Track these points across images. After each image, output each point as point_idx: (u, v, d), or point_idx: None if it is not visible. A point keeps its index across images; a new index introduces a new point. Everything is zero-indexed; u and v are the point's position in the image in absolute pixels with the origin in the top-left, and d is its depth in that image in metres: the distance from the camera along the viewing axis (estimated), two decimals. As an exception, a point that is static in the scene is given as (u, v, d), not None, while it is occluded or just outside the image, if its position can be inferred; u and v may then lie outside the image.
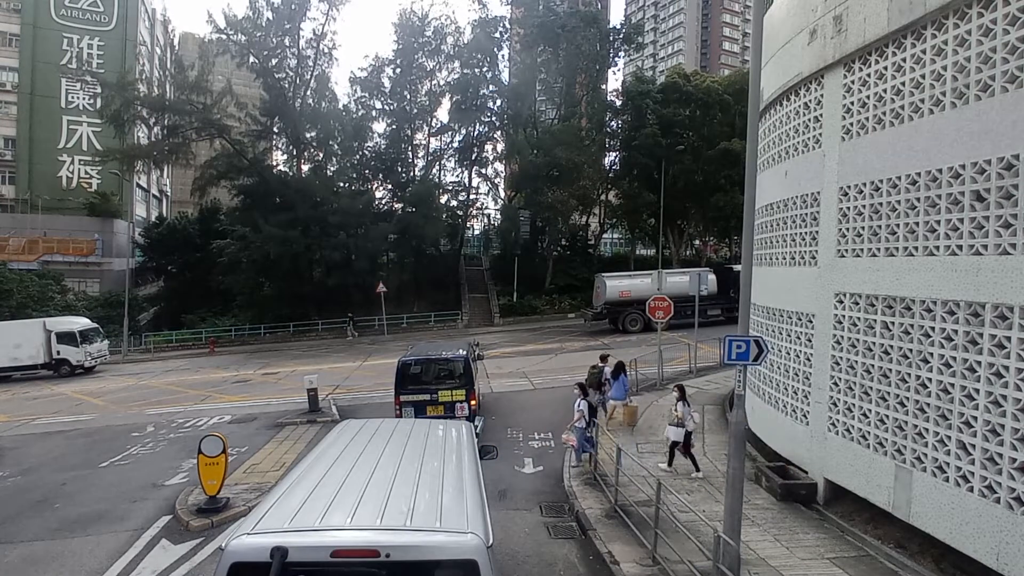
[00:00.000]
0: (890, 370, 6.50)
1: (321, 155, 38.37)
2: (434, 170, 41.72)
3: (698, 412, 10.51)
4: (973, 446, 5.47)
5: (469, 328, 34.01)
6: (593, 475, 9.12)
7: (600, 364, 12.57)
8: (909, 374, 6.24)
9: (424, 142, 41.56)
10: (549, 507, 8.34)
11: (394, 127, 39.74)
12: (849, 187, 7.25)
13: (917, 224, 6.21)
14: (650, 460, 9.65)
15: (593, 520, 7.61)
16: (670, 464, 9.39)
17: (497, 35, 40.70)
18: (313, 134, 37.49)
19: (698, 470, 9.11)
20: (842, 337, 7.34)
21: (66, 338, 25.40)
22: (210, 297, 38.08)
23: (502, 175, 46.37)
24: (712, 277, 23.98)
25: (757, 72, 5.95)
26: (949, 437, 5.72)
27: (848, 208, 7.27)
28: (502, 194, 45.63)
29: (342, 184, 38.21)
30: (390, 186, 40.96)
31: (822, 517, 7.42)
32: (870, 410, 6.80)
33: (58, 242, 40.80)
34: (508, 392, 16.01)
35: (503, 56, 42.24)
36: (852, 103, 7.22)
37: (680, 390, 9.48)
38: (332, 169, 38.58)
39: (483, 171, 42.64)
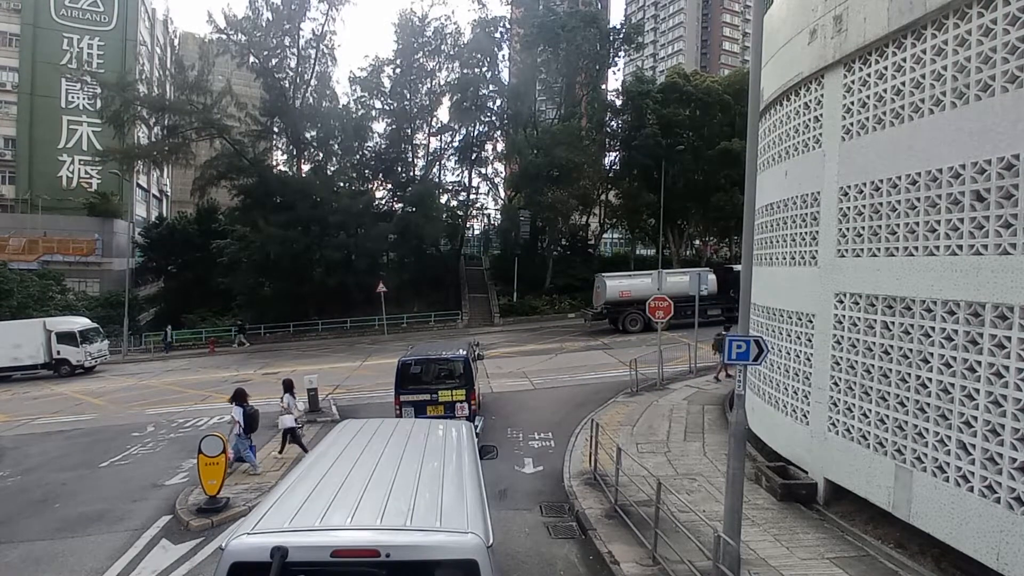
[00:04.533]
0: (890, 370, 6.50)
1: (321, 155, 38.40)
2: (434, 170, 41.77)
3: (303, 401, 12.22)
4: (973, 446, 5.47)
5: (469, 328, 34.01)
6: (593, 475, 9.12)
7: (724, 332, 14.11)
8: (909, 374, 6.23)
9: (424, 142, 41.59)
10: (549, 507, 8.33)
11: (394, 127, 39.76)
12: (849, 187, 7.24)
13: (917, 224, 6.21)
14: (650, 460, 9.66)
15: (593, 520, 7.61)
16: (281, 451, 10.99)
17: (497, 35, 40.73)
18: (313, 134, 37.53)
19: (280, 452, 10.94)
20: (842, 337, 7.33)
21: (66, 338, 25.41)
22: (210, 297, 38.09)
23: (502, 175, 46.41)
24: (712, 277, 23.98)
25: (757, 72, 5.94)
26: (949, 437, 5.72)
27: (848, 208, 7.27)
28: (502, 194, 45.67)
29: (342, 184, 38.21)
30: (390, 186, 40.98)
31: (822, 517, 7.41)
32: (870, 410, 6.80)
33: (58, 242, 40.83)
34: (508, 392, 16.01)
35: (503, 56, 42.32)
36: (852, 103, 7.22)
37: (286, 385, 11.24)
38: (332, 169, 38.61)
39: (483, 171, 42.71)
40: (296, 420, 11.09)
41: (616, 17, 75.66)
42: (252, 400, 17.13)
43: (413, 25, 38.84)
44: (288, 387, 11.20)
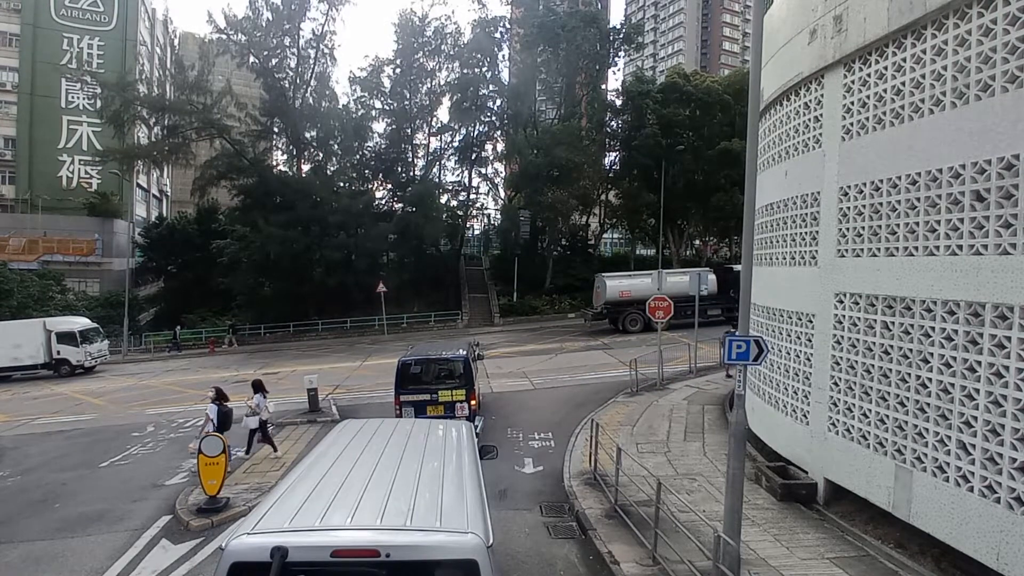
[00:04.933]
0: (890, 370, 6.50)
1: (321, 155, 38.41)
2: (434, 170, 41.78)
3: (272, 403, 12.06)
4: (973, 446, 5.47)
5: (469, 328, 34.01)
6: (593, 475, 9.12)
7: (733, 331, 15.48)
8: (909, 374, 6.23)
9: (424, 142, 41.60)
10: (549, 507, 8.33)
11: (394, 127, 39.77)
12: (849, 187, 7.24)
13: (917, 224, 6.21)
14: (650, 460, 9.66)
15: (593, 520, 7.61)
16: (248, 451, 10.93)
17: (497, 35, 40.75)
18: (313, 134, 37.54)
19: (276, 451, 10.90)
20: (842, 337, 7.33)
21: (66, 338, 25.41)
22: (210, 297, 38.12)
23: (502, 175, 46.41)
24: (712, 277, 23.99)
25: (757, 72, 5.94)
26: (949, 437, 5.72)
27: (848, 208, 7.27)
28: (502, 194, 45.67)
29: (342, 184, 38.23)
30: (390, 186, 40.98)
31: (822, 517, 7.42)
32: (870, 410, 6.80)
33: (58, 242, 40.83)
34: (508, 392, 16.01)
35: (503, 56, 42.35)
36: (852, 103, 7.22)
37: (256, 385, 11.05)
38: (332, 169, 38.62)
39: (483, 171, 42.72)
40: (266, 422, 10.93)
41: (616, 17, 75.89)
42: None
43: (413, 25, 38.85)
44: (258, 387, 11.01)
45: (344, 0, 35.48)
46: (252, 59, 34.37)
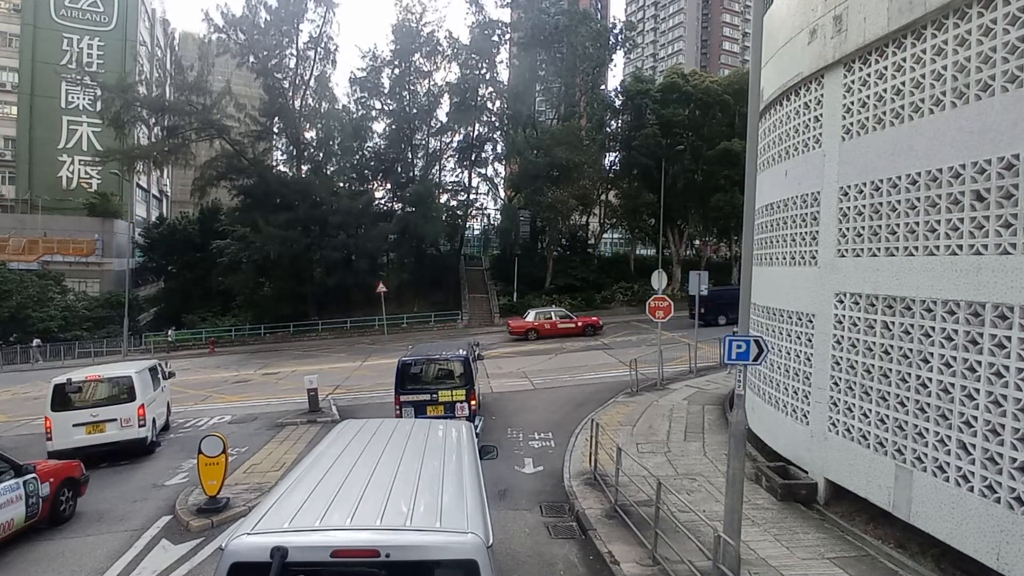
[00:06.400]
0: (890, 370, 6.50)
1: (321, 155, 38.44)
2: (434, 170, 41.76)
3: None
4: (973, 446, 5.47)
5: (469, 328, 34.00)
6: (593, 475, 9.12)
7: None
8: (909, 374, 6.23)
9: (424, 142, 41.59)
10: (549, 507, 8.33)
11: (394, 127, 39.78)
12: (849, 187, 7.24)
13: (917, 224, 6.20)
14: (650, 460, 9.65)
15: (593, 520, 7.61)
16: None
17: (495, 38, 40.79)
18: (313, 134, 37.59)
19: None
20: (842, 337, 7.33)
21: None
22: (210, 297, 38.15)
23: (502, 175, 46.40)
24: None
25: (757, 72, 5.94)
26: (949, 437, 5.72)
27: (848, 208, 7.27)
28: (502, 194, 45.66)
29: (342, 184, 38.27)
30: (390, 186, 40.99)
31: (822, 517, 7.41)
32: (870, 410, 6.80)
33: (58, 242, 40.86)
34: (508, 392, 16.00)
35: (502, 59, 42.41)
36: (852, 103, 7.22)
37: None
38: (332, 169, 38.65)
39: (483, 171, 42.70)
40: None
41: (617, 16, 75.81)
42: (250, 401, 17.20)
43: (411, 27, 38.89)
44: None
45: (338, 3, 35.59)
46: (251, 59, 34.41)
